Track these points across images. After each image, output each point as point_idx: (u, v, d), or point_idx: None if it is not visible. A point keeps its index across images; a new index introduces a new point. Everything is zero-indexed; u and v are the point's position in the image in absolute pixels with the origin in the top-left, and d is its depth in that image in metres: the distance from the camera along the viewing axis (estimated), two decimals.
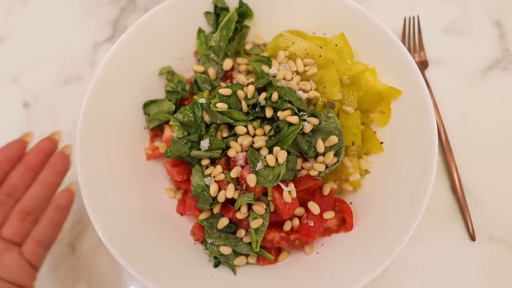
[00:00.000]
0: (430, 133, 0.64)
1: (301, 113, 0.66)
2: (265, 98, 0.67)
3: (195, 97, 0.77)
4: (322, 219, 0.68)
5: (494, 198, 0.78)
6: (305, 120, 0.65)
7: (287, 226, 0.69)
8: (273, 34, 0.80)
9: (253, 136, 0.69)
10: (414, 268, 0.75)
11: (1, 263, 0.57)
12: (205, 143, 0.68)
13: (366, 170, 0.73)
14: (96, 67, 0.92)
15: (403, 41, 0.89)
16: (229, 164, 0.70)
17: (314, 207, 0.67)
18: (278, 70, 0.72)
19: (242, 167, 0.67)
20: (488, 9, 0.92)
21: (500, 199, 0.78)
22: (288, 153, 0.66)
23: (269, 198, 0.65)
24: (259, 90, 0.69)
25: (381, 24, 0.70)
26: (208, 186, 0.68)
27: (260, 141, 0.67)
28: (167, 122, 0.75)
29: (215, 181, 0.68)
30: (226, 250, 0.68)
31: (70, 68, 0.94)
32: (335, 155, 0.66)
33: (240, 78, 0.78)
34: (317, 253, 0.69)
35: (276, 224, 0.69)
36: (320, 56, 0.72)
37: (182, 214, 0.76)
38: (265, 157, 0.65)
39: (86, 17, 0.98)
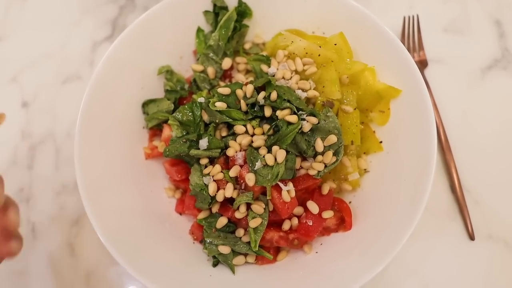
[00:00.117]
0: (430, 132, 0.64)
1: (300, 112, 0.66)
2: (264, 97, 0.67)
3: (194, 96, 0.77)
4: (321, 219, 0.68)
5: (493, 197, 0.78)
6: (304, 119, 0.65)
7: (286, 226, 0.69)
8: (272, 33, 0.80)
9: (252, 135, 0.69)
10: (413, 268, 0.75)
11: None
12: (204, 142, 0.68)
13: (365, 169, 0.73)
14: (95, 66, 0.92)
15: (402, 40, 0.89)
16: (228, 163, 0.70)
17: (313, 207, 0.67)
18: (277, 69, 0.72)
19: (241, 166, 0.67)
20: (488, 9, 0.91)
21: (500, 198, 0.78)
22: (287, 152, 0.65)
23: (268, 198, 0.65)
24: (258, 89, 0.69)
25: (381, 23, 0.70)
26: (207, 185, 0.68)
27: (259, 140, 0.67)
28: (166, 121, 0.75)
29: (214, 180, 0.68)
30: (225, 249, 0.68)
31: (69, 67, 0.94)
32: (334, 154, 0.66)
33: (239, 77, 0.78)
34: (316, 252, 0.69)
35: (275, 223, 0.69)
36: (319, 55, 0.72)
37: (181, 214, 0.76)
38: (264, 156, 0.65)
39: (85, 16, 0.98)
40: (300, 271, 0.67)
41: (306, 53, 0.73)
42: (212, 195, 0.67)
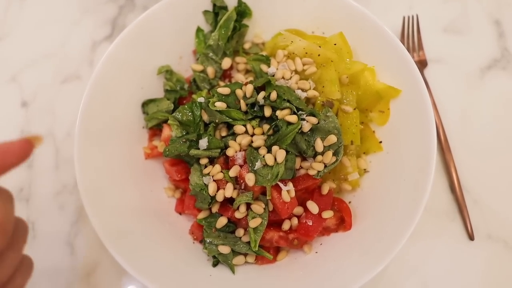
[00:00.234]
0: (429, 132, 0.64)
1: (300, 112, 0.66)
2: (264, 97, 0.67)
3: (194, 96, 0.77)
4: (321, 219, 0.68)
5: (493, 197, 0.78)
6: (303, 119, 0.65)
7: (285, 226, 0.69)
8: (272, 33, 0.80)
9: (251, 135, 0.68)
10: (413, 268, 0.75)
11: None
12: (203, 142, 0.68)
13: (365, 169, 0.73)
14: (94, 66, 0.92)
15: (402, 40, 0.89)
16: (227, 163, 0.70)
17: (313, 207, 0.67)
18: (277, 69, 0.72)
19: (241, 166, 0.67)
20: (488, 9, 0.92)
21: (499, 198, 0.78)
22: (287, 152, 0.65)
23: (267, 198, 0.65)
24: (257, 89, 0.69)
25: (380, 23, 0.70)
26: (206, 185, 0.68)
27: (258, 140, 0.67)
28: (165, 121, 0.75)
29: (213, 180, 0.68)
30: (224, 249, 0.68)
31: (68, 67, 0.93)
32: (334, 154, 0.66)
33: (239, 77, 0.78)
34: (316, 252, 0.69)
35: (274, 223, 0.69)
36: (319, 55, 0.72)
37: (180, 213, 0.76)
38: (263, 156, 0.65)
39: (85, 15, 0.98)
40: (300, 271, 0.67)
41: (306, 53, 0.73)
42: (212, 195, 0.67)
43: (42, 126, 0.89)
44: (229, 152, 0.68)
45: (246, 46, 0.81)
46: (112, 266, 0.77)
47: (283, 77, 0.71)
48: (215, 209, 0.70)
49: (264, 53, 0.78)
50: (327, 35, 0.76)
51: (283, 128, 0.65)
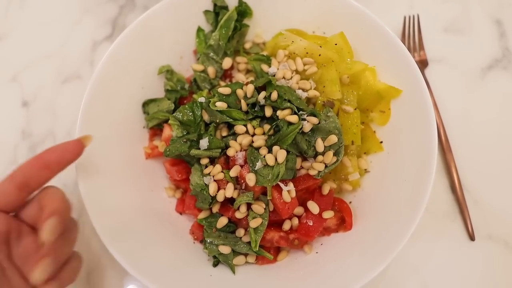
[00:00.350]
0: (430, 132, 0.64)
1: (301, 112, 0.66)
2: (265, 97, 0.67)
3: (195, 96, 0.77)
4: (321, 219, 0.68)
5: (493, 197, 0.78)
6: (304, 120, 0.65)
7: (286, 226, 0.69)
8: (273, 33, 0.80)
9: (252, 135, 0.68)
10: (414, 268, 0.75)
11: (32, 266, 0.53)
12: (204, 142, 0.68)
13: (365, 169, 0.73)
14: (95, 66, 0.92)
15: (403, 40, 0.89)
16: (228, 163, 0.70)
17: (313, 207, 0.67)
18: (278, 69, 0.72)
19: (242, 166, 0.67)
20: (488, 8, 0.91)
21: (500, 198, 0.78)
22: (288, 152, 0.65)
23: (268, 198, 0.65)
24: (258, 89, 0.69)
25: (381, 23, 0.70)
26: (207, 185, 0.67)
27: (259, 140, 0.67)
28: (166, 121, 0.75)
29: (214, 180, 0.68)
30: (225, 249, 0.68)
31: (69, 67, 0.93)
32: (334, 154, 0.66)
33: (240, 77, 0.78)
34: (316, 252, 0.69)
35: (275, 223, 0.69)
36: (319, 55, 0.72)
37: (181, 213, 0.76)
38: (264, 157, 0.65)
39: (85, 15, 0.98)
40: (300, 271, 0.67)
41: (307, 53, 0.72)
42: (212, 195, 0.67)
43: (43, 126, 0.89)
44: (230, 152, 0.68)
45: (247, 46, 0.81)
46: (112, 266, 0.77)
47: (283, 77, 0.70)
48: (215, 209, 0.70)
49: (264, 53, 0.78)
50: (328, 35, 0.76)
51: (283, 128, 0.65)
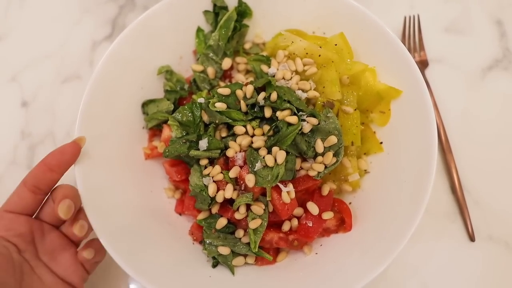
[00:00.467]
0: (430, 133, 0.64)
1: (300, 113, 0.66)
2: (264, 98, 0.67)
3: (194, 96, 0.77)
4: (321, 220, 0.68)
5: (494, 198, 0.78)
6: (304, 120, 0.65)
7: (285, 227, 0.68)
8: (273, 33, 0.79)
9: (252, 136, 0.68)
10: (414, 269, 0.75)
11: (58, 260, 0.62)
12: (203, 143, 0.68)
13: (365, 170, 0.73)
14: (94, 66, 0.92)
15: (403, 40, 0.89)
16: (227, 164, 0.69)
17: (313, 208, 0.67)
18: (277, 69, 0.72)
19: (241, 167, 0.67)
20: (489, 8, 0.91)
21: (500, 199, 0.78)
22: (287, 153, 0.65)
23: (267, 199, 0.65)
24: (258, 90, 0.69)
25: (381, 23, 0.70)
26: (206, 186, 0.67)
27: (259, 141, 0.66)
28: (165, 122, 0.75)
29: (213, 181, 0.68)
30: (224, 250, 0.68)
31: (68, 67, 0.93)
32: (334, 155, 0.66)
33: (239, 77, 0.78)
34: (316, 253, 0.69)
35: (274, 224, 0.69)
36: (319, 55, 0.72)
37: (180, 214, 0.76)
38: (264, 157, 0.65)
39: (85, 15, 0.98)
40: (300, 272, 0.67)
41: (307, 53, 0.72)
42: (211, 196, 0.67)
43: (42, 126, 0.89)
44: (229, 153, 0.68)
45: (247, 46, 0.81)
46: (112, 266, 0.77)
47: (283, 78, 0.70)
48: (215, 210, 0.70)
49: (264, 54, 0.77)
50: (328, 35, 0.76)
51: (283, 129, 0.65)
